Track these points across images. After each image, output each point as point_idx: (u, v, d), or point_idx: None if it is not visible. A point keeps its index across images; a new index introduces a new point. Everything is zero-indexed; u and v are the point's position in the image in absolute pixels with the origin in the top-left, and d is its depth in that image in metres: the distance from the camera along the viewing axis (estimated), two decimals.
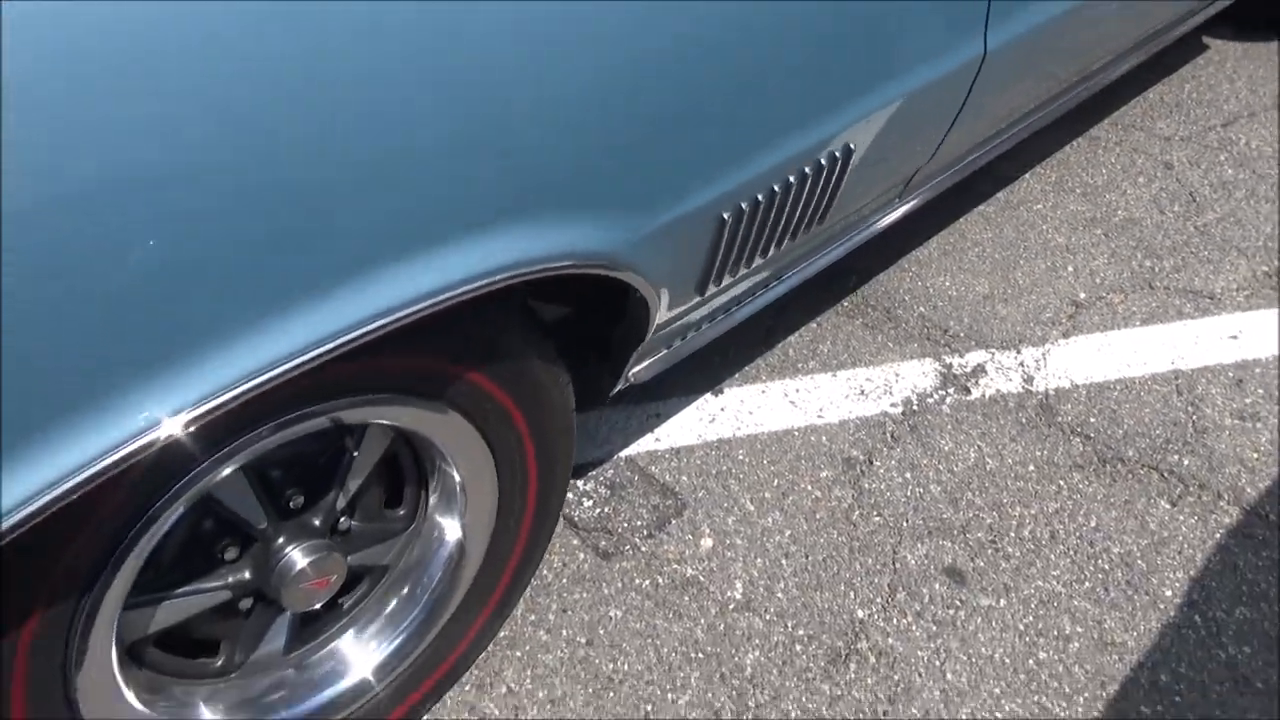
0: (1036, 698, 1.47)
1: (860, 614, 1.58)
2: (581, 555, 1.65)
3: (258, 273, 0.80)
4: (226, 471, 0.97)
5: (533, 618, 1.55)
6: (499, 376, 1.14)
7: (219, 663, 1.19)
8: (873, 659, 1.52)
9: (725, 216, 1.22)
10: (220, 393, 0.81)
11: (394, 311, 0.89)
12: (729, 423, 1.89)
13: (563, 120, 0.96)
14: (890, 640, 1.54)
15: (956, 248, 2.33)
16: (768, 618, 1.57)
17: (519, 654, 1.51)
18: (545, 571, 1.62)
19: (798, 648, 1.53)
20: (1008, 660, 1.52)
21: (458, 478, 1.22)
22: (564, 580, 1.61)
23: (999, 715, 1.45)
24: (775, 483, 1.78)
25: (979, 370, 2.00)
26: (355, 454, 1.13)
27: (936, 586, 1.61)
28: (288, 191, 0.79)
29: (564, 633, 1.54)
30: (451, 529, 1.26)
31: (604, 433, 1.86)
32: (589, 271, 1.06)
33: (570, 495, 1.73)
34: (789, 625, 1.56)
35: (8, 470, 0.73)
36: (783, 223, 1.34)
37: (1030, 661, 1.52)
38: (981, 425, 1.89)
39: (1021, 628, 1.56)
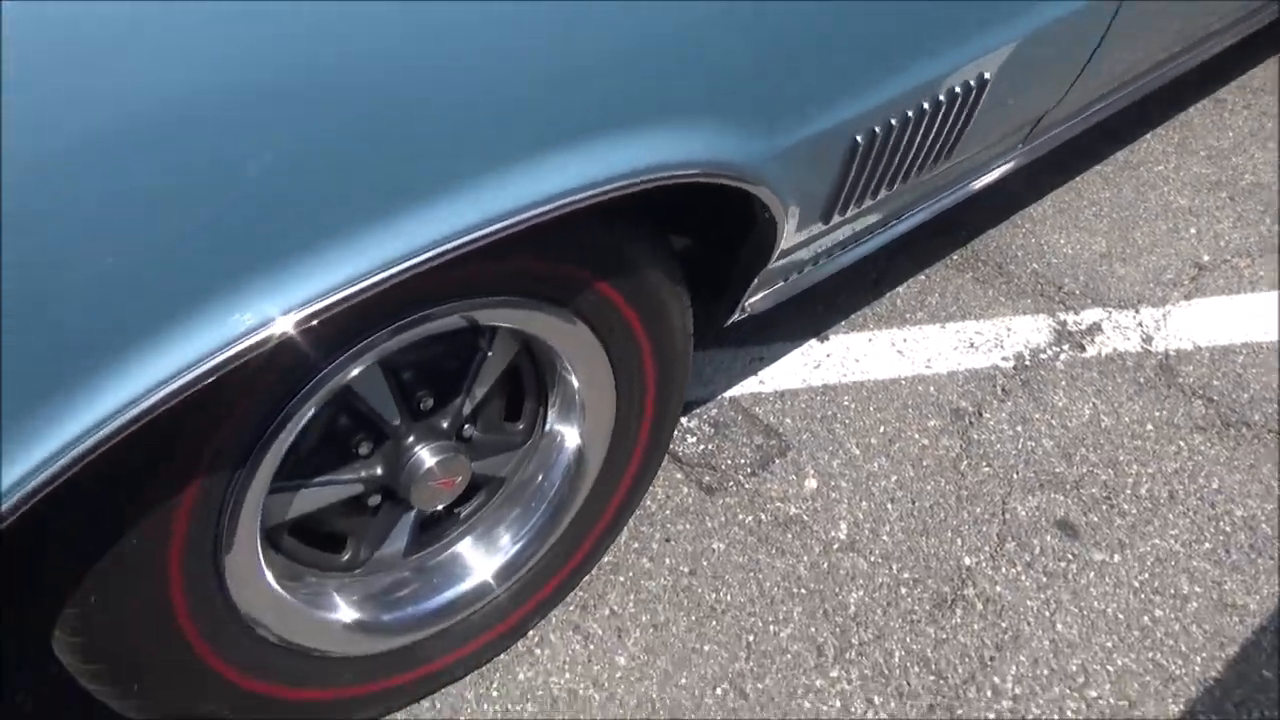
0: (1151, 654, 1.44)
1: (967, 561, 1.56)
2: (685, 489, 1.66)
3: (387, 169, 0.80)
4: (364, 366, 1.00)
5: (636, 545, 1.57)
6: (626, 290, 1.15)
7: (345, 557, 1.23)
8: (980, 606, 1.50)
9: (858, 139, 1.20)
10: (344, 288, 0.81)
11: (525, 211, 0.89)
12: (834, 369, 1.87)
13: (708, 30, 0.95)
14: (998, 589, 1.52)
15: (1072, 206, 2.26)
16: (872, 559, 1.56)
17: (622, 579, 1.52)
18: (649, 503, 1.63)
19: (903, 590, 1.52)
20: (1121, 615, 1.48)
21: (578, 387, 1.24)
22: (667, 512, 1.62)
23: (1110, 668, 1.42)
24: (881, 429, 1.76)
25: (1095, 328, 1.94)
26: (489, 353, 1.15)
27: (1047, 539, 1.58)
28: (417, 87, 0.78)
29: (667, 561, 1.55)
30: (571, 437, 1.28)
31: (708, 373, 1.86)
32: (726, 182, 1.05)
33: (674, 431, 1.73)
34: (894, 568, 1.54)
35: (139, 357, 0.75)
36: (912, 153, 1.32)
37: (1145, 618, 1.48)
38: (1097, 383, 1.84)
39: (1136, 584, 1.52)
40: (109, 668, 0.97)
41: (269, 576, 1.07)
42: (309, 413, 0.98)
